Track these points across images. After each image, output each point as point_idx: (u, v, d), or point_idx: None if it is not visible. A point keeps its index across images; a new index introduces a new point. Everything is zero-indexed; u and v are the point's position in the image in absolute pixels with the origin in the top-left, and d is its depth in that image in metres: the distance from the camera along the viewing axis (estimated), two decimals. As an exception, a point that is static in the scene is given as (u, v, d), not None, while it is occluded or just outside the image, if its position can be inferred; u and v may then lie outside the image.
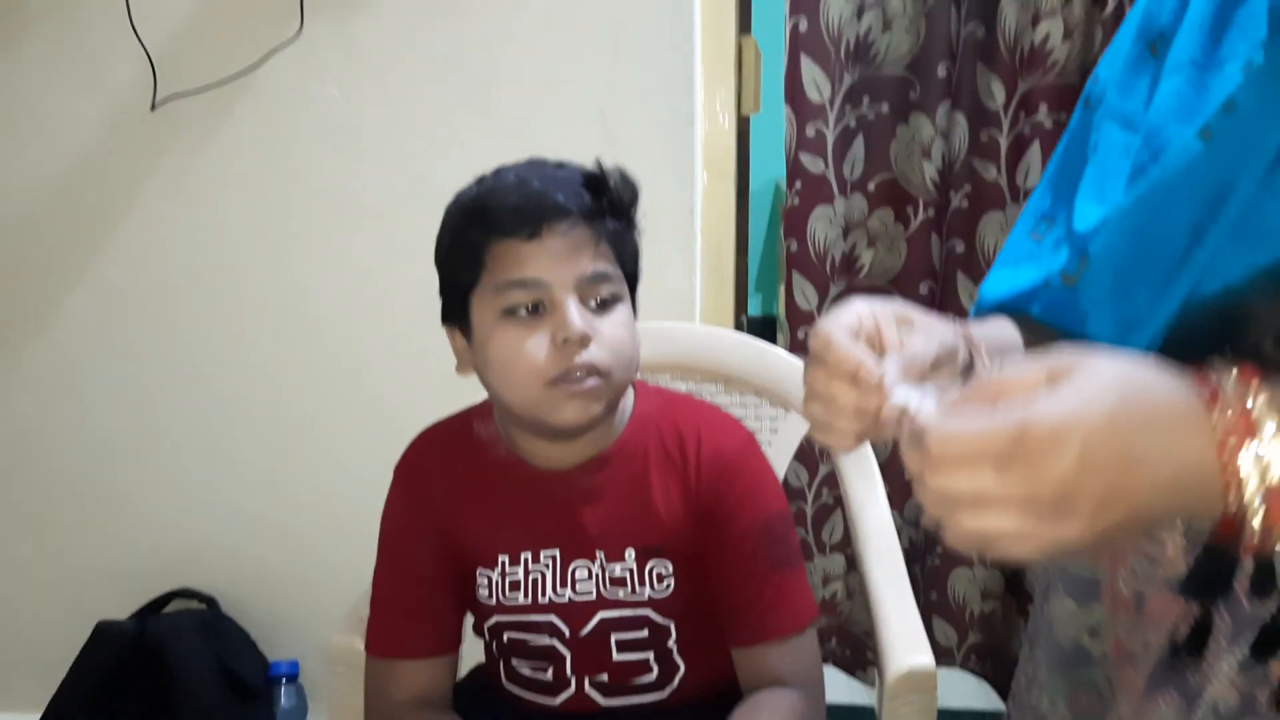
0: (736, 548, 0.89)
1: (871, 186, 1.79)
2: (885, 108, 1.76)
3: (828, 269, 1.81)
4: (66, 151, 1.61)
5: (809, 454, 1.83)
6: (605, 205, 0.86)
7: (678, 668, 0.94)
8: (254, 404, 1.65)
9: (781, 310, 1.86)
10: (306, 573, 1.67)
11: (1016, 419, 0.42)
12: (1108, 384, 0.43)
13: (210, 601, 1.67)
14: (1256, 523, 0.42)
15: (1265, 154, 0.53)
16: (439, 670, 0.94)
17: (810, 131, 1.76)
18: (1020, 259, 0.72)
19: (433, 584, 0.94)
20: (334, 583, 1.56)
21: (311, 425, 1.64)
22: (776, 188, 1.83)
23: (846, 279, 1.84)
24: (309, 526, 1.67)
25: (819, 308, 1.82)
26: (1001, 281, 0.72)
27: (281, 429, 1.65)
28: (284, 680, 1.62)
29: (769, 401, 1.16)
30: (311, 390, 1.63)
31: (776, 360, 1.15)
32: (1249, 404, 0.43)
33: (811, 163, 1.77)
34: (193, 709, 1.50)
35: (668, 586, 0.91)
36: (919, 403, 0.50)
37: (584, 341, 0.82)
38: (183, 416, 1.66)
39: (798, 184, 1.78)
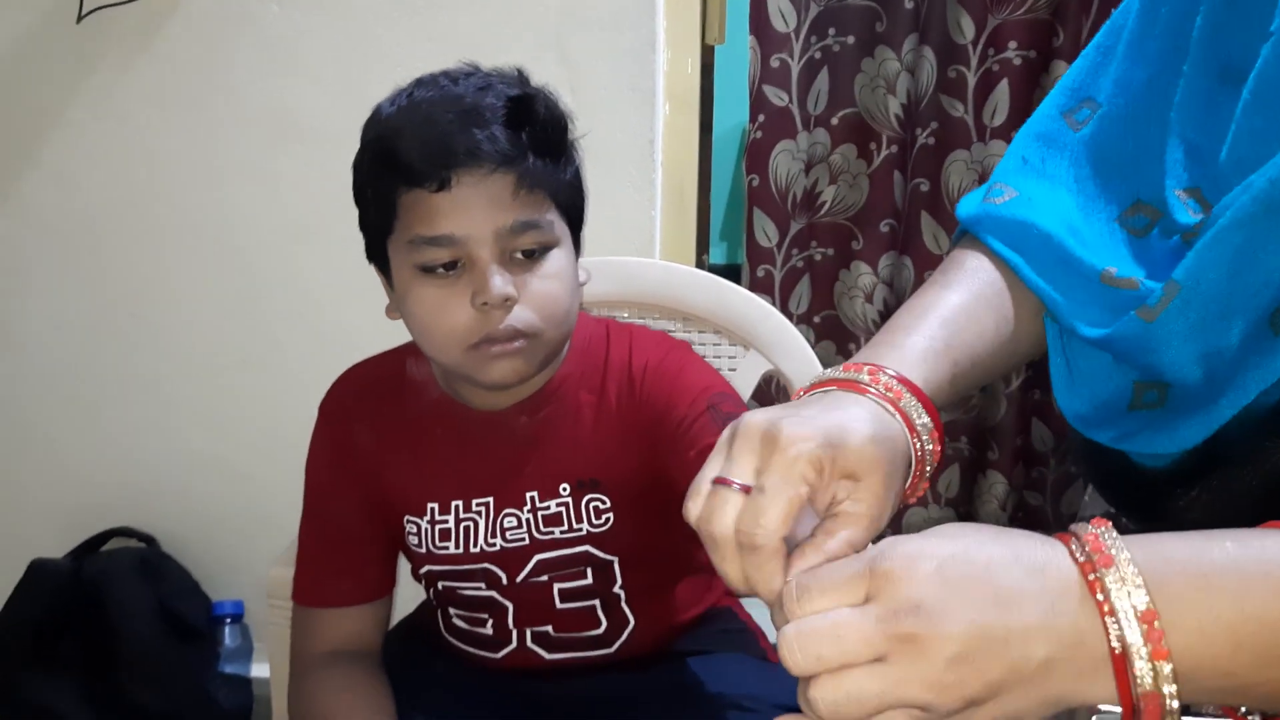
0: (687, 435, 0.82)
1: (835, 121, 1.76)
2: (851, 40, 1.72)
3: (789, 205, 1.78)
4: (-14, 65, 1.52)
5: (767, 393, 1.82)
6: (527, 143, 0.76)
7: (627, 621, 0.91)
8: (191, 336, 1.59)
9: (743, 247, 1.83)
10: (249, 511, 1.63)
11: (864, 555, 0.42)
12: (958, 531, 0.42)
13: (149, 540, 1.63)
14: (1143, 658, 0.39)
15: None
16: (365, 618, 0.91)
17: (775, 63, 1.71)
18: (1048, 141, 0.61)
19: (357, 531, 0.90)
20: (277, 521, 1.52)
21: (251, 358, 1.59)
22: (744, 132, 1.79)
23: (808, 216, 1.81)
24: (250, 463, 1.62)
25: (779, 245, 1.79)
26: (1024, 202, 0.60)
27: (221, 362, 1.60)
28: (228, 620, 1.60)
29: (728, 340, 1.13)
30: (251, 322, 1.57)
31: (736, 298, 1.12)
32: (1103, 539, 0.41)
33: (775, 95, 1.73)
34: (132, 650, 1.47)
35: (606, 521, 0.87)
36: None
37: (506, 304, 0.76)
38: (117, 349, 1.60)
39: (761, 117, 1.74)
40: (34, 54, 1.50)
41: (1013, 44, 1.67)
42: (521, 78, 0.80)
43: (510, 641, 0.91)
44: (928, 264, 1.80)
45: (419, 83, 0.80)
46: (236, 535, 1.65)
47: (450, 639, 0.95)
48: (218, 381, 1.61)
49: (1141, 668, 0.39)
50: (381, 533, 0.91)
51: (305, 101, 1.48)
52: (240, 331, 1.58)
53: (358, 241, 0.84)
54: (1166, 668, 0.38)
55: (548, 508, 0.87)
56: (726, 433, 0.50)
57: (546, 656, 0.91)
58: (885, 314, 1.84)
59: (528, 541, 0.87)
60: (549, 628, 0.91)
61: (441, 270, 0.76)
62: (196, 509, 1.65)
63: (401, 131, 0.76)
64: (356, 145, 0.83)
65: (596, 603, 0.90)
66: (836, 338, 1.88)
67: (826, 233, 1.82)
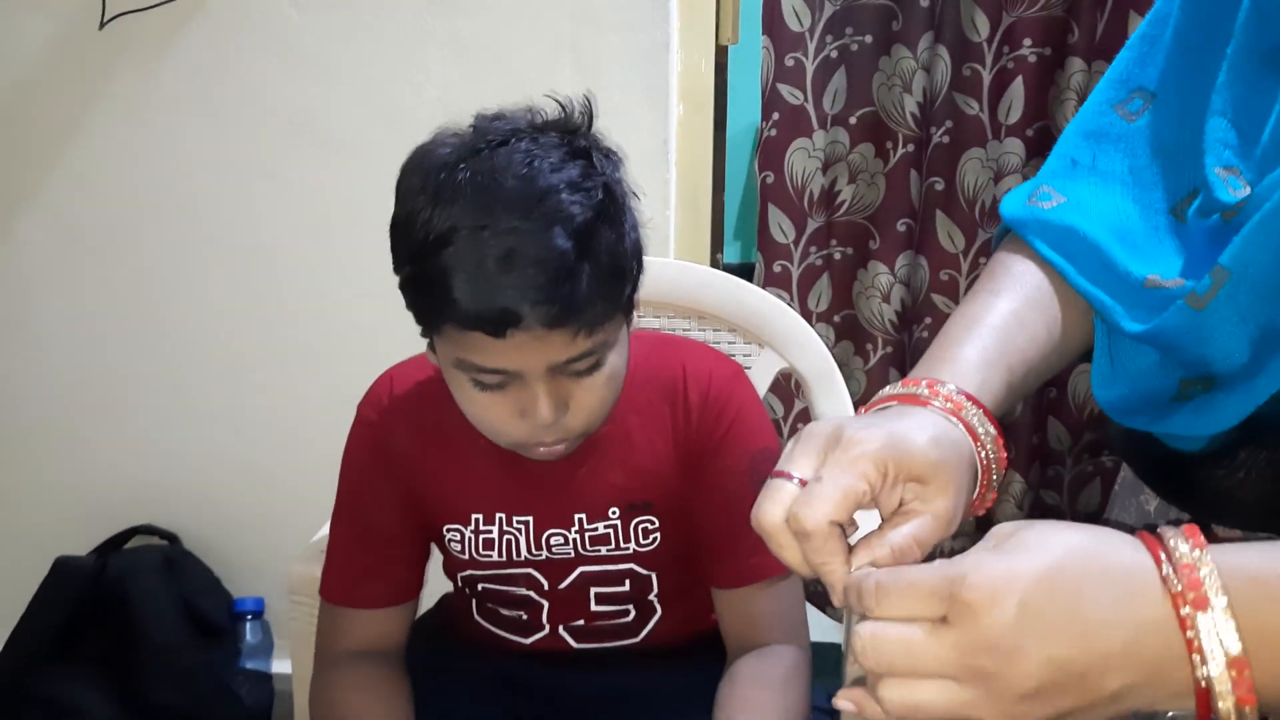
0: (723, 485, 0.84)
1: (853, 120, 1.75)
2: (869, 38, 1.71)
3: (805, 203, 1.78)
4: (10, 72, 1.53)
5: (784, 389, 1.82)
6: (592, 289, 0.69)
7: (655, 612, 0.92)
8: (212, 337, 1.60)
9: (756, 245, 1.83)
10: (270, 508, 1.65)
11: (949, 573, 0.40)
12: (1049, 543, 0.40)
13: (172, 538, 1.65)
14: (1227, 703, 0.38)
15: None
16: (393, 620, 0.91)
17: (789, 62, 1.71)
18: (1099, 137, 0.60)
19: (392, 536, 0.90)
20: (298, 518, 1.53)
21: (271, 358, 1.60)
22: (758, 132, 1.79)
23: (826, 214, 1.80)
24: (272, 462, 1.64)
25: (796, 242, 1.79)
26: (1072, 208, 0.59)
27: (243, 363, 1.61)
28: (249, 617, 1.61)
29: (743, 338, 1.13)
30: (272, 322, 1.59)
31: (751, 296, 1.12)
32: (1200, 572, 0.39)
33: (790, 94, 1.73)
34: (155, 646, 1.49)
35: (654, 541, 0.87)
36: None
37: (555, 422, 0.74)
38: (140, 350, 1.62)
39: (775, 115, 1.73)
40: (57, 60, 1.52)
41: (1027, 41, 1.66)
42: (587, 132, 0.74)
43: (542, 629, 0.92)
44: (943, 263, 1.79)
45: (473, 156, 0.70)
46: (257, 532, 1.66)
47: (480, 620, 0.95)
48: (238, 381, 1.62)
49: (1225, 709, 0.38)
50: (417, 536, 0.91)
51: (324, 104, 1.50)
52: (261, 331, 1.59)
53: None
54: (1250, 711, 0.38)
55: (595, 529, 0.87)
56: (790, 440, 0.51)
57: (575, 645, 0.92)
58: (902, 314, 1.84)
59: (573, 556, 0.88)
60: (581, 622, 0.92)
61: (490, 384, 0.74)
62: (218, 507, 1.67)
63: (454, 272, 0.68)
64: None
65: (630, 606, 0.91)
66: (854, 337, 1.88)
67: (845, 231, 1.82)
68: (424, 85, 1.45)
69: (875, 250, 1.82)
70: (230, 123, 1.52)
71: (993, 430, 0.52)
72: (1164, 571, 0.40)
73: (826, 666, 1.10)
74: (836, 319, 1.87)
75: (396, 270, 0.76)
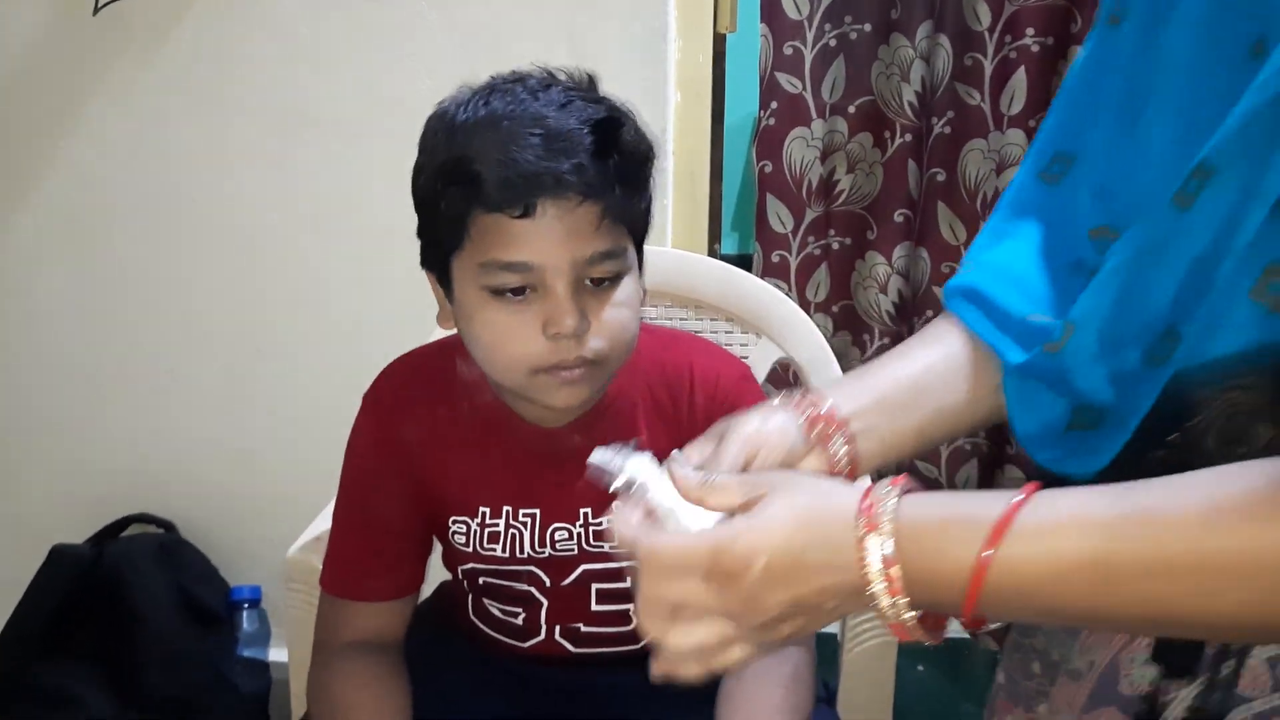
0: None
1: (852, 109, 1.75)
2: (867, 27, 1.71)
3: (804, 193, 1.77)
4: (4, 58, 1.52)
5: (781, 379, 1.81)
6: (614, 173, 0.73)
7: None
8: (210, 326, 1.60)
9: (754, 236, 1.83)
10: (266, 497, 1.64)
11: (714, 542, 0.53)
12: (788, 514, 0.53)
13: (168, 526, 1.65)
14: (885, 603, 0.50)
15: (1245, 230, 0.48)
16: (394, 613, 0.90)
17: (788, 50, 1.71)
18: (1027, 209, 0.66)
19: (396, 526, 0.89)
20: (295, 506, 1.53)
21: (267, 347, 1.60)
22: (756, 121, 1.78)
23: (825, 204, 1.80)
24: (268, 450, 1.64)
25: (795, 231, 1.79)
26: (978, 268, 0.67)
27: (239, 351, 1.61)
28: (246, 605, 1.61)
29: (740, 328, 1.13)
30: (266, 311, 1.58)
31: (748, 285, 1.12)
32: (879, 505, 0.51)
33: (788, 82, 1.72)
34: (151, 635, 1.48)
35: None
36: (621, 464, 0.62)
37: (578, 334, 0.74)
38: (137, 339, 1.62)
39: (773, 104, 1.73)
40: (50, 46, 1.51)
41: (1030, 30, 1.65)
42: (595, 90, 0.78)
43: (539, 634, 0.91)
44: (944, 255, 1.78)
45: (493, 90, 0.75)
46: (253, 521, 1.66)
47: (476, 621, 0.95)
48: (234, 370, 1.62)
49: (887, 605, 0.51)
50: (421, 529, 0.90)
51: (320, 92, 1.49)
52: (256, 320, 1.59)
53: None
54: (902, 602, 0.50)
55: (600, 524, 0.85)
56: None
57: (572, 650, 0.92)
58: (899, 305, 1.83)
59: (576, 552, 0.87)
60: (580, 624, 0.91)
61: (511, 294, 0.74)
62: (214, 495, 1.67)
63: (482, 153, 0.71)
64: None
65: (631, 606, 0.91)
66: (852, 328, 1.88)
67: (843, 221, 1.82)
68: (420, 74, 1.45)
69: (873, 241, 1.81)
70: (226, 110, 1.51)
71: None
72: (856, 517, 0.51)
73: (824, 656, 1.10)
74: (835, 309, 1.87)
75: (417, 204, 0.78)
